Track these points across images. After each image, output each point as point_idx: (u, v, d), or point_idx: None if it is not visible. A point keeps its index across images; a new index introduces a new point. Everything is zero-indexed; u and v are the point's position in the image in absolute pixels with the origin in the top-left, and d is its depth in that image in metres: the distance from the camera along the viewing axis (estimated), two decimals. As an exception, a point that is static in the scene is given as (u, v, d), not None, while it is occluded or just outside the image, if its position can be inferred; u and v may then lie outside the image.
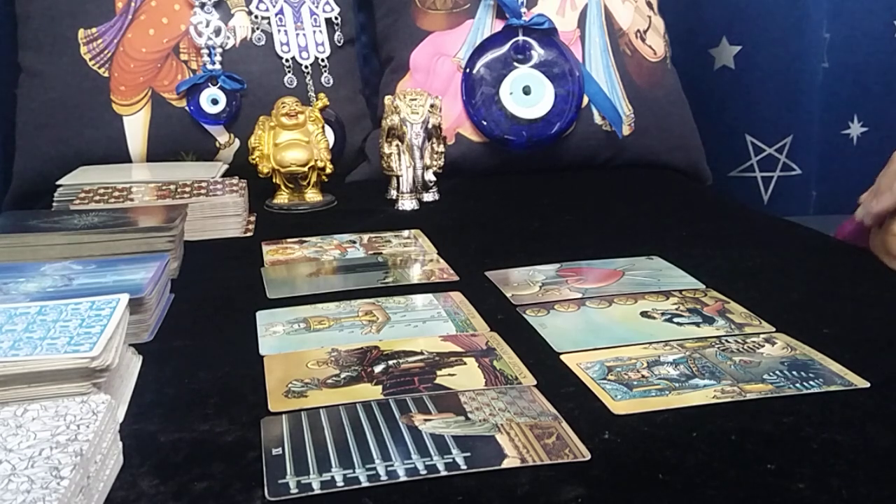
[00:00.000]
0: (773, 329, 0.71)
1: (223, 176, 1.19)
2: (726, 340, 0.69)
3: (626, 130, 1.39)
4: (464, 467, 0.51)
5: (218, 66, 1.32)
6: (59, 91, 1.31)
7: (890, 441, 0.54)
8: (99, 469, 0.49)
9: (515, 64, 1.36)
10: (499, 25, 1.38)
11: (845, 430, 0.55)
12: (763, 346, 0.68)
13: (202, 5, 1.32)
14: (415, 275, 0.88)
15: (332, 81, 1.38)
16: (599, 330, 0.72)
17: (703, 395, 0.60)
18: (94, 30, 1.32)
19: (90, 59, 1.31)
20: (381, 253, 0.96)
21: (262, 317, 0.77)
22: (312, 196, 1.19)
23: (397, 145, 1.17)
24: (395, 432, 0.55)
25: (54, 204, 1.09)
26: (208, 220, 1.05)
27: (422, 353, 0.67)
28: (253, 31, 1.35)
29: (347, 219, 1.11)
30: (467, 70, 1.36)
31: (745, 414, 0.57)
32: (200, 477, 0.51)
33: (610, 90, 1.39)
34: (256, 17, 1.35)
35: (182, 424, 0.58)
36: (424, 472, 0.51)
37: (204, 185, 1.11)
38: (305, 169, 1.17)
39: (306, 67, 1.36)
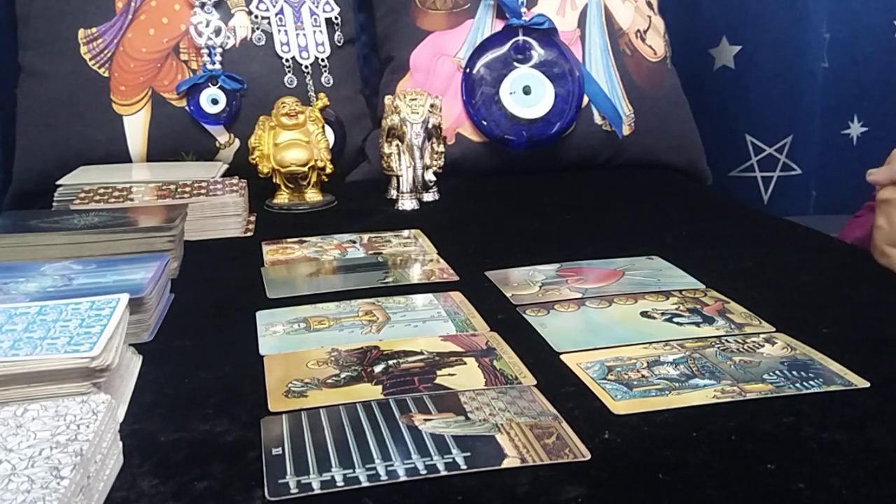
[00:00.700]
0: (773, 329, 0.71)
1: (223, 176, 1.19)
2: (726, 340, 0.69)
3: (626, 130, 1.39)
4: (464, 467, 0.51)
5: (218, 66, 1.32)
6: (59, 91, 1.31)
7: (890, 441, 0.54)
8: (99, 469, 0.49)
9: (515, 64, 1.36)
10: (499, 25, 1.38)
11: (845, 430, 0.55)
12: (763, 346, 0.68)
13: (202, 5, 1.32)
14: (415, 275, 0.88)
15: (332, 81, 1.38)
16: (599, 330, 0.72)
17: (703, 395, 0.60)
18: (94, 30, 1.32)
19: (90, 59, 1.31)
20: (381, 253, 0.96)
21: (262, 317, 0.77)
22: (312, 196, 1.19)
23: (397, 145, 1.17)
24: (395, 432, 0.55)
25: (54, 204, 1.09)
26: (208, 220, 1.05)
27: (422, 353, 0.67)
28: (253, 31, 1.35)
29: (347, 219, 1.11)
30: (467, 70, 1.36)
31: (745, 414, 0.57)
32: (200, 477, 0.51)
33: (610, 90, 1.39)
34: (256, 17, 1.35)
35: (182, 424, 0.58)
36: (424, 472, 0.51)
37: (204, 185, 1.11)
38: (305, 169, 1.17)
39: (306, 67, 1.36)
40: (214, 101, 1.31)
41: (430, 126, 1.17)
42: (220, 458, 0.53)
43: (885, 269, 0.85)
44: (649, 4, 1.48)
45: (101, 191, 1.09)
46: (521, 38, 1.36)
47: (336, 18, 1.40)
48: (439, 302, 0.79)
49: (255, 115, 1.21)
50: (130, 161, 1.32)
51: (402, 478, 0.50)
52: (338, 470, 0.51)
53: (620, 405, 0.59)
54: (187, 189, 1.08)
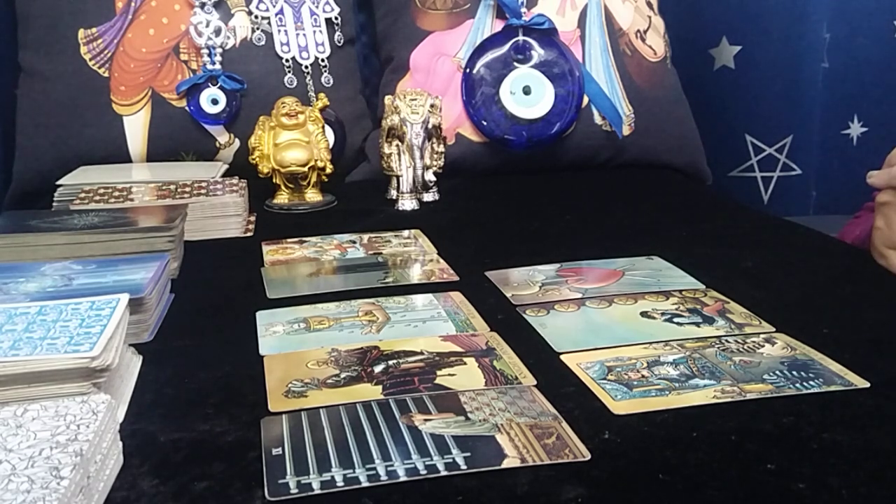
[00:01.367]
0: (773, 329, 0.71)
1: (223, 176, 1.19)
2: (726, 340, 0.69)
3: (626, 130, 1.39)
4: (464, 467, 0.51)
5: (218, 66, 1.32)
6: (59, 91, 1.31)
7: (890, 441, 0.54)
8: (99, 469, 0.49)
9: (515, 64, 1.36)
10: (499, 25, 1.38)
11: (845, 430, 0.55)
12: (763, 346, 0.68)
13: (202, 5, 1.32)
14: (415, 275, 0.88)
15: (332, 81, 1.38)
16: (599, 330, 0.72)
17: (703, 395, 0.60)
18: (94, 30, 1.32)
19: (90, 59, 1.31)
20: (381, 253, 0.96)
21: (262, 317, 0.77)
22: (312, 196, 1.19)
23: (397, 145, 1.17)
24: (395, 432, 0.55)
25: (54, 204, 1.09)
26: (208, 220, 1.05)
27: (422, 353, 0.67)
28: (253, 31, 1.35)
29: (347, 219, 1.11)
30: (467, 70, 1.36)
31: (745, 414, 0.57)
32: (200, 477, 0.51)
33: (610, 90, 1.39)
34: (256, 17, 1.35)
35: (182, 424, 0.58)
36: (424, 472, 0.51)
37: (204, 185, 1.11)
38: (305, 169, 1.17)
39: (306, 67, 1.36)
40: (214, 101, 1.31)
41: (430, 126, 1.16)
42: (220, 458, 0.53)
43: (885, 270, 0.85)
44: (649, 4, 1.48)
45: (101, 191, 1.09)
46: (521, 38, 1.36)
47: (336, 18, 1.40)
48: (439, 302, 0.79)
49: (255, 115, 1.21)
50: (130, 161, 1.32)
51: (402, 478, 0.50)
52: (338, 470, 0.51)
53: (620, 405, 0.59)
54: (187, 189, 1.08)
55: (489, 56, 1.36)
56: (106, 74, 1.31)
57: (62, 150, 1.30)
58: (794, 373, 0.63)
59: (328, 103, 1.26)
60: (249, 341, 0.71)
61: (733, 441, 0.54)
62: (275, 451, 0.54)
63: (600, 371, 0.64)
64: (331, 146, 1.22)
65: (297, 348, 0.70)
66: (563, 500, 0.48)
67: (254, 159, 1.17)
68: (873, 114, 1.69)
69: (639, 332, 0.71)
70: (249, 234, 1.07)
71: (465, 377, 0.63)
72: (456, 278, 0.86)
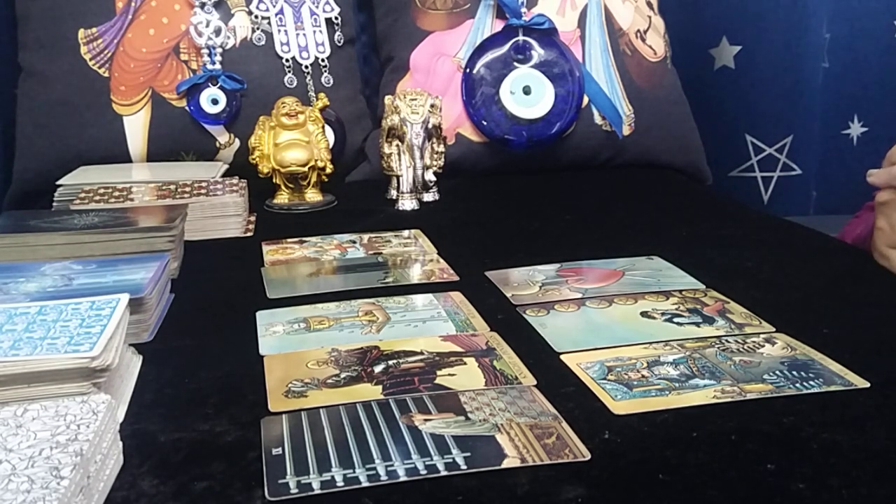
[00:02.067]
0: (773, 329, 0.71)
1: (223, 176, 1.19)
2: (726, 340, 0.69)
3: (626, 130, 1.39)
4: (464, 467, 0.51)
5: (218, 66, 1.32)
6: (59, 91, 1.31)
7: (890, 441, 0.54)
8: (99, 469, 0.49)
9: (515, 64, 1.36)
10: (499, 25, 1.38)
11: (845, 430, 0.55)
12: (763, 346, 0.68)
13: (202, 5, 1.32)
14: (415, 275, 0.89)
15: (332, 81, 1.38)
16: (599, 330, 0.72)
17: (703, 395, 0.60)
18: (94, 30, 1.32)
19: (90, 59, 1.31)
20: (381, 253, 0.96)
21: (262, 317, 0.77)
22: (312, 196, 1.19)
23: (397, 145, 1.17)
24: (395, 432, 0.55)
25: (54, 204, 1.09)
26: (208, 220, 1.05)
27: (422, 353, 0.67)
28: (253, 31, 1.35)
29: (347, 219, 1.11)
30: (467, 70, 1.36)
31: (745, 414, 0.57)
32: (200, 477, 0.51)
33: (610, 90, 1.39)
34: (256, 17, 1.35)
35: (182, 424, 0.58)
36: (424, 472, 0.51)
37: (204, 185, 1.11)
38: (305, 169, 1.17)
39: (306, 67, 1.36)
40: (214, 101, 1.31)
41: (430, 126, 1.17)
42: (220, 458, 0.53)
43: (886, 270, 0.85)
44: (649, 4, 1.48)
45: (101, 191, 1.09)
46: (521, 38, 1.36)
47: (336, 18, 1.40)
48: (439, 302, 0.79)
49: (255, 115, 1.21)
50: (130, 161, 1.32)
51: (402, 478, 0.50)
52: (338, 470, 0.51)
53: (620, 405, 0.59)
54: (187, 189, 1.08)
55: (489, 56, 1.36)
56: (106, 74, 1.31)
57: (62, 150, 1.30)
58: (794, 373, 0.63)
59: (328, 103, 1.26)
60: (249, 341, 0.71)
61: (733, 441, 0.54)
62: (275, 451, 0.54)
63: (600, 371, 0.64)
64: (331, 146, 1.22)
65: (297, 348, 0.70)
66: (563, 500, 0.48)
67: (254, 159, 1.17)
68: (873, 114, 1.69)
69: (639, 332, 0.71)
70: (249, 234, 1.07)
71: (465, 377, 0.63)
72: (456, 278, 0.86)
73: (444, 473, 0.51)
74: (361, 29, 1.53)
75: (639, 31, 1.44)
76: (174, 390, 0.63)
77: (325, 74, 1.38)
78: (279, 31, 1.35)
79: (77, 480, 0.45)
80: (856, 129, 1.70)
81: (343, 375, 0.64)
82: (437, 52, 1.39)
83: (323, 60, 1.38)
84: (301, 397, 0.61)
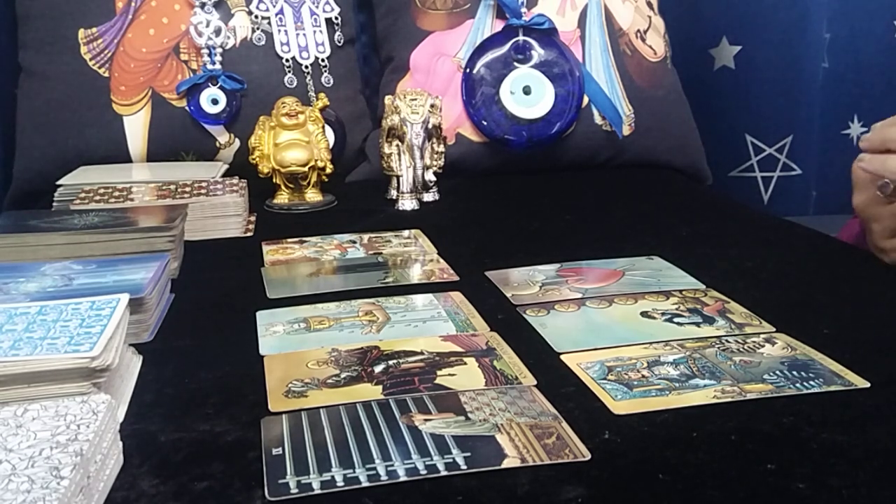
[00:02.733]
0: (773, 329, 0.71)
1: (223, 176, 1.19)
2: (726, 340, 0.69)
3: (626, 130, 1.39)
4: (464, 467, 0.51)
5: (218, 66, 1.32)
6: (59, 91, 1.31)
7: (890, 441, 0.54)
8: (99, 469, 0.49)
9: (515, 64, 1.36)
10: (499, 25, 1.38)
11: (845, 430, 0.55)
12: (763, 346, 0.68)
13: (202, 5, 1.32)
14: (415, 275, 0.89)
15: (332, 81, 1.38)
16: (599, 330, 0.72)
17: (703, 395, 0.60)
18: (94, 30, 1.32)
19: (90, 59, 1.31)
20: (381, 253, 0.96)
21: (262, 317, 0.77)
22: (312, 196, 1.19)
23: (397, 145, 1.17)
24: (395, 432, 0.55)
25: (54, 204, 1.09)
26: (208, 220, 1.05)
27: (422, 353, 0.67)
28: (253, 31, 1.35)
29: (347, 219, 1.11)
30: (467, 70, 1.36)
31: (745, 414, 0.57)
32: (200, 477, 0.51)
33: (610, 90, 1.39)
34: (256, 17, 1.35)
35: (182, 424, 0.58)
36: (424, 472, 0.51)
37: (204, 185, 1.11)
38: (305, 169, 1.17)
39: (306, 67, 1.36)
40: (214, 101, 1.31)
41: (430, 126, 1.16)
42: (220, 458, 0.53)
43: (886, 269, 0.85)
44: (649, 4, 1.48)
45: (101, 191, 1.09)
46: (521, 38, 1.36)
47: (336, 18, 1.40)
48: (439, 302, 0.79)
49: (255, 115, 1.21)
50: (130, 161, 1.32)
51: (402, 478, 0.50)
52: (338, 470, 0.51)
53: (620, 405, 0.59)
54: (187, 189, 1.08)
55: (489, 56, 1.36)
56: (106, 74, 1.31)
57: (62, 150, 1.30)
58: (794, 373, 0.63)
59: (328, 103, 1.26)
60: (249, 341, 0.71)
61: (733, 441, 0.54)
62: (275, 451, 0.54)
63: (600, 371, 0.64)
64: (331, 146, 1.22)
65: (297, 348, 0.70)
66: (563, 500, 0.48)
67: (254, 159, 1.17)
68: (873, 114, 1.68)
69: (639, 332, 0.71)
70: (249, 234, 1.07)
71: (465, 377, 0.63)
72: (456, 278, 0.86)
73: (444, 473, 0.51)
74: (361, 29, 1.53)
75: (639, 31, 1.44)
76: (174, 390, 0.63)
77: (325, 74, 1.38)
78: (279, 31, 1.35)
79: (77, 480, 0.45)
80: (856, 129, 1.70)
81: (343, 375, 0.64)
82: (437, 52, 1.39)
83: (323, 60, 1.38)
84: (301, 397, 0.61)
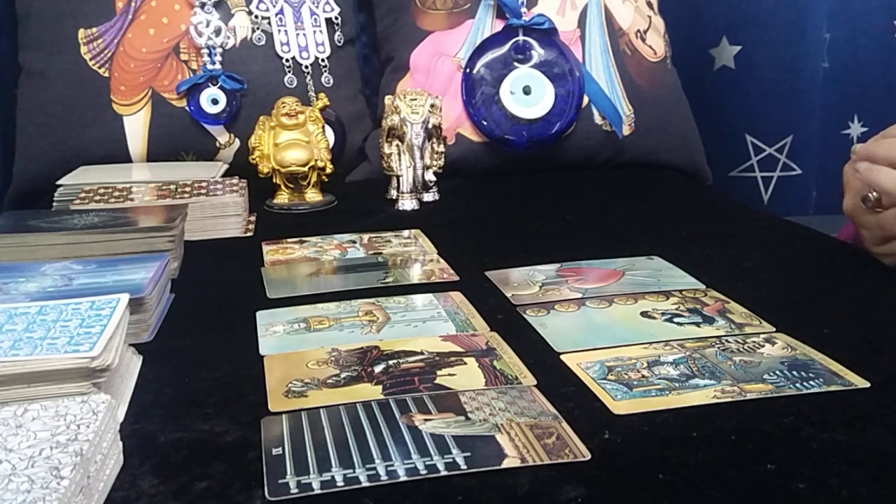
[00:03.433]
0: (773, 329, 0.71)
1: (223, 176, 1.19)
2: (726, 340, 0.69)
3: (626, 130, 1.39)
4: (464, 467, 0.51)
5: (218, 66, 1.32)
6: (59, 91, 1.31)
7: (890, 441, 0.54)
8: (99, 469, 0.49)
9: (515, 64, 1.36)
10: (499, 25, 1.38)
11: (845, 430, 0.55)
12: (763, 346, 0.68)
13: (202, 5, 1.32)
14: (415, 275, 0.89)
15: (332, 81, 1.38)
16: (599, 330, 0.72)
17: (703, 395, 0.60)
18: (94, 30, 1.32)
19: (90, 59, 1.31)
20: (381, 253, 0.96)
21: (262, 317, 0.77)
22: (312, 196, 1.19)
23: (397, 145, 1.17)
24: (395, 432, 0.55)
25: (54, 204, 1.09)
26: (208, 220, 1.05)
27: (422, 353, 0.67)
28: (253, 31, 1.35)
29: (347, 219, 1.11)
30: (467, 70, 1.36)
31: (745, 414, 0.57)
32: (200, 477, 0.51)
33: (610, 90, 1.39)
34: (256, 17, 1.35)
35: (182, 424, 0.58)
36: (424, 472, 0.51)
37: (204, 185, 1.11)
38: (305, 169, 1.17)
39: (306, 67, 1.36)
40: (214, 101, 1.31)
41: (430, 126, 1.17)
42: (220, 458, 0.53)
43: (886, 269, 0.85)
44: (649, 4, 1.48)
45: (101, 191, 1.09)
46: (521, 38, 1.36)
47: (336, 18, 1.40)
48: (439, 302, 0.79)
49: (255, 115, 1.21)
50: (130, 161, 1.32)
51: (402, 478, 0.50)
52: (338, 470, 0.51)
53: (620, 405, 0.59)
54: (187, 189, 1.08)
55: (489, 56, 1.36)
56: (106, 74, 1.31)
57: (62, 150, 1.30)
58: (794, 373, 0.63)
59: (328, 103, 1.26)
60: (249, 341, 0.71)
61: (733, 441, 0.54)
62: (275, 451, 0.54)
63: (600, 371, 0.64)
64: (331, 146, 1.22)
65: (297, 348, 0.70)
66: (563, 500, 0.48)
67: (254, 159, 1.17)
68: (873, 114, 1.69)
69: (639, 332, 0.71)
70: (249, 234, 1.07)
71: (465, 377, 0.63)
72: (456, 278, 0.86)
73: (444, 473, 0.51)
74: (361, 29, 1.53)
75: (639, 31, 1.44)
76: (174, 390, 0.63)
77: (325, 74, 1.38)
78: (279, 31, 1.35)
79: (77, 480, 0.45)
80: (856, 129, 1.70)
81: (343, 375, 0.64)
82: (437, 52, 1.39)
83: (323, 60, 1.38)
84: (301, 397, 0.61)
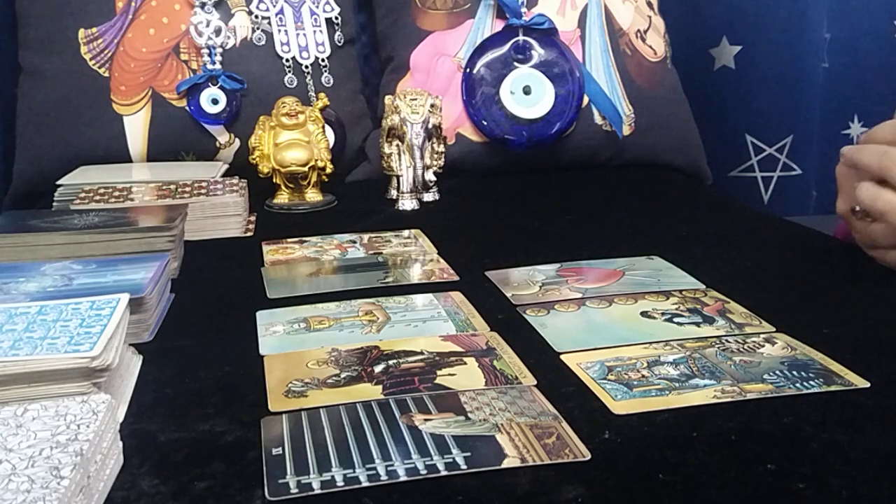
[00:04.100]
0: (773, 329, 0.71)
1: (223, 176, 1.19)
2: (726, 340, 0.69)
3: (626, 130, 1.39)
4: (464, 467, 0.51)
5: (218, 66, 1.32)
6: (59, 91, 1.31)
7: (890, 441, 0.54)
8: (99, 469, 0.49)
9: (516, 64, 1.36)
10: (499, 25, 1.38)
11: (845, 430, 0.55)
12: (763, 346, 0.68)
13: (202, 5, 1.32)
14: (415, 275, 0.89)
15: (332, 81, 1.38)
16: (599, 330, 0.72)
17: (703, 395, 0.60)
18: (94, 29, 1.32)
19: (90, 59, 1.31)
20: (381, 253, 0.96)
21: (262, 317, 0.77)
22: (312, 196, 1.19)
23: (397, 145, 1.17)
24: (395, 432, 0.55)
25: (54, 204, 1.09)
26: (208, 220, 1.05)
27: (422, 353, 0.67)
28: (253, 30, 1.35)
29: (347, 219, 1.11)
30: (467, 70, 1.36)
31: (745, 414, 0.57)
32: (200, 477, 0.51)
33: (610, 90, 1.39)
34: (256, 16, 1.35)
35: (182, 424, 0.58)
36: (424, 471, 0.51)
37: (204, 184, 1.11)
38: (305, 169, 1.17)
39: (306, 67, 1.36)
40: (214, 101, 1.31)
41: (430, 126, 1.17)
42: (220, 458, 0.53)
43: (886, 269, 0.85)
44: (649, 4, 1.48)
45: (101, 191, 1.09)
46: (521, 38, 1.36)
47: (336, 18, 1.40)
48: (439, 302, 0.79)
49: (255, 115, 1.21)
50: (130, 161, 1.32)
51: (402, 478, 0.50)
52: (338, 470, 0.51)
53: (620, 405, 0.59)
54: (187, 189, 1.08)
55: (489, 56, 1.36)
56: (106, 74, 1.31)
57: (62, 150, 1.30)
58: (794, 373, 0.63)
59: (328, 103, 1.26)
60: (249, 341, 0.71)
61: (733, 441, 0.54)
62: (275, 451, 0.54)
63: (600, 371, 0.64)
64: (331, 146, 1.22)
65: (297, 348, 0.70)
66: (563, 500, 0.48)
67: (254, 159, 1.17)
68: (873, 114, 1.69)
69: (639, 332, 0.71)
70: (249, 233, 1.07)
71: (465, 377, 0.63)
72: (456, 278, 0.86)
73: (444, 473, 0.51)
74: (361, 29, 1.53)
75: (639, 31, 1.44)
76: (174, 390, 0.63)
77: (325, 74, 1.38)
78: (279, 31, 1.35)
79: (77, 480, 0.45)
80: (856, 129, 1.70)
81: (343, 375, 0.64)
82: (437, 52, 1.39)
83: (323, 60, 1.38)
84: (301, 397, 0.61)
